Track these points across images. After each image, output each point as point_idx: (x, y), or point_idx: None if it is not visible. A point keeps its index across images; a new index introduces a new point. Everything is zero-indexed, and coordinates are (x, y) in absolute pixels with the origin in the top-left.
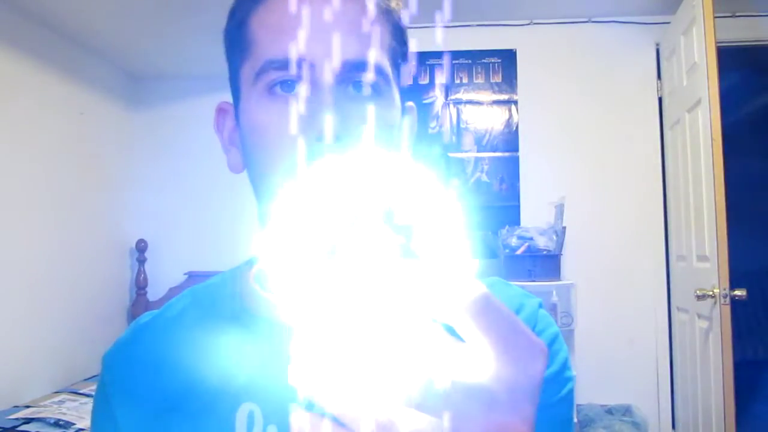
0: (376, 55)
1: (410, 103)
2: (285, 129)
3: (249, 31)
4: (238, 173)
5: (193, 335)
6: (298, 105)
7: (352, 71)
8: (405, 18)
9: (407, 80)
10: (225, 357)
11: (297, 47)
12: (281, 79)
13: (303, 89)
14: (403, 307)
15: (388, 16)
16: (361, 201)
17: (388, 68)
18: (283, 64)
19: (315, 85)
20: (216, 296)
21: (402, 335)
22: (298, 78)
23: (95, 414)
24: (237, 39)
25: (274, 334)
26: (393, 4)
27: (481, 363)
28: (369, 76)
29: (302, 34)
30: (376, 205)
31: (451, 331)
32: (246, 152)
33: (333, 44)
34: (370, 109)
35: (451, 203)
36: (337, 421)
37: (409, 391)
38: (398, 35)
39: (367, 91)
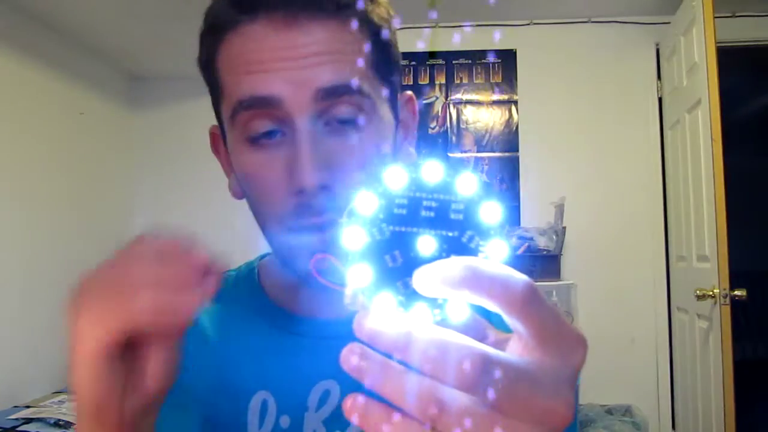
0: (351, 78)
1: (409, 93)
2: (268, 181)
3: (216, 71)
4: (239, 199)
5: (210, 322)
6: (276, 153)
7: (327, 100)
8: (390, 26)
9: (399, 79)
10: (241, 346)
11: (262, 84)
12: (258, 128)
13: (280, 135)
14: (455, 297)
15: (365, 27)
16: (417, 201)
17: (369, 88)
18: (252, 103)
19: (291, 126)
20: (233, 288)
21: (455, 323)
22: (274, 121)
23: None
24: (207, 76)
25: (291, 326)
26: (374, 17)
27: (527, 351)
28: (347, 102)
29: (267, 70)
30: (431, 203)
31: (499, 320)
32: (244, 192)
33: (300, 76)
34: (353, 139)
35: (496, 200)
36: (389, 404)
37: (460, 374)
38: (379, 43)
39: (349, 124)
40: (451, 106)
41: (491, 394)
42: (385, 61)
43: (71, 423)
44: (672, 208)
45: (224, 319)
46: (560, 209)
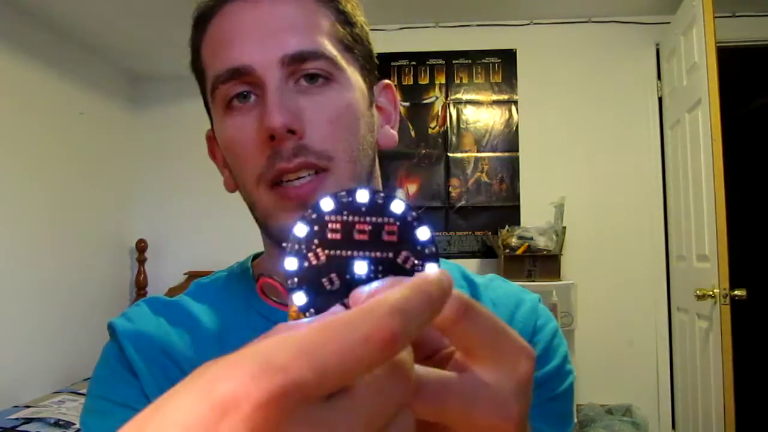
0: (315, 43)
1: (386, 81)
2: (244, 139)
3: (201, 59)
4: (232, 192)
5: (210, 323)
6: (250, 114)
7: (293, 64)
8: (351, 1)
9: (369, 61)
10: (241, 345)
11: (236, 56)
12: (232, 92)
13: (254, 98)
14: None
15: (328, 3)
16: (351, 225)
17: (333, 52)
18: (228, 76)
19: (262, 88)
20: (226, 288)
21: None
22: (247, 86)
23: (107, 379)
24: (196, 70)
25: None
26: None
27: (465, 367)
28: (313, 66)
29: (239, 43)
30: (366, 223)
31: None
32: (230, 169)
33: (268, 46)
34: (322, 95)
35: (426, 220)
36: None
37: (397, 392)
38: (343, 20)
39: (317, 81)
40: (451, 106)
41: (424, 413)
42: (351, 34)
43: (71, 423)
44: (672, 207)
45: (223, 321)
46: (560, 209)
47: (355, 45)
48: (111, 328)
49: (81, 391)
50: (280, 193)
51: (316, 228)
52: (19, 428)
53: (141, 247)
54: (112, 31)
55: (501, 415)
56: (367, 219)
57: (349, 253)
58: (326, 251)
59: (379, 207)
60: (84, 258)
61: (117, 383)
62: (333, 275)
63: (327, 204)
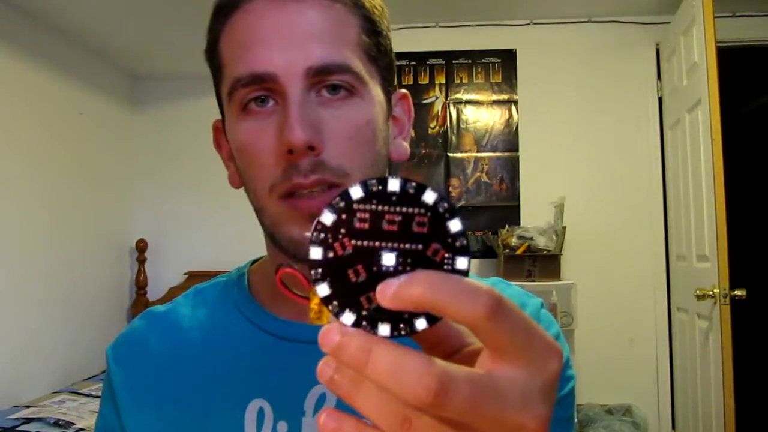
0: (341, 56)
1: (404, 91)
2: (260, 146)
3: (219, 51)
4: (237, 188)
5: (202, 330)
6: (268, 120)
7: (318, 76)
8: (381, 14)
9: (390, 72)
10: (233, 354)
11: (259, 62)
12: (252, 96)
13: (272, 103)
14: (420, 309)
15: (356, 11)
16: (380, 215)
17: (359, 65)
18: (249, 81)
19: (283, 97)
20: (223, 294)
21: (418, 338)
22: (268, 92)
23: (102, 402)
24: (212, 60)
25: (282, 331)
26: (365, 2)
27: (495, 363)
28: (337, 78)
29: (264, 48)
30: (395, 213)
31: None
32: (238, 169)
33: (294, 54)
34: (343, 108)
35: (458, 212)
36: (362, 418)
37: (417, 393)
38: (369, 29)
39: (339, 92)
40: (451, 106)
41: (453, 411)
42: (376, 44)
43: (71, 423)
44: (672, 207)
45: (215, 328)
46: (560, 209)
47: (379, 56)
48: (107, 358)
49: (81, 391)
50: (292, 204)
51: (343, 216)
52: (19, 428)
53: (141, 247)
54: (112, 32)
55: (530, 415)
56: (397, 209)
57: (376, 243)
58: (353, 241)
59: (410, 197)
60: (84, 258)
61: (106, 403)
62: (359, 267)
63: (356, 192)
